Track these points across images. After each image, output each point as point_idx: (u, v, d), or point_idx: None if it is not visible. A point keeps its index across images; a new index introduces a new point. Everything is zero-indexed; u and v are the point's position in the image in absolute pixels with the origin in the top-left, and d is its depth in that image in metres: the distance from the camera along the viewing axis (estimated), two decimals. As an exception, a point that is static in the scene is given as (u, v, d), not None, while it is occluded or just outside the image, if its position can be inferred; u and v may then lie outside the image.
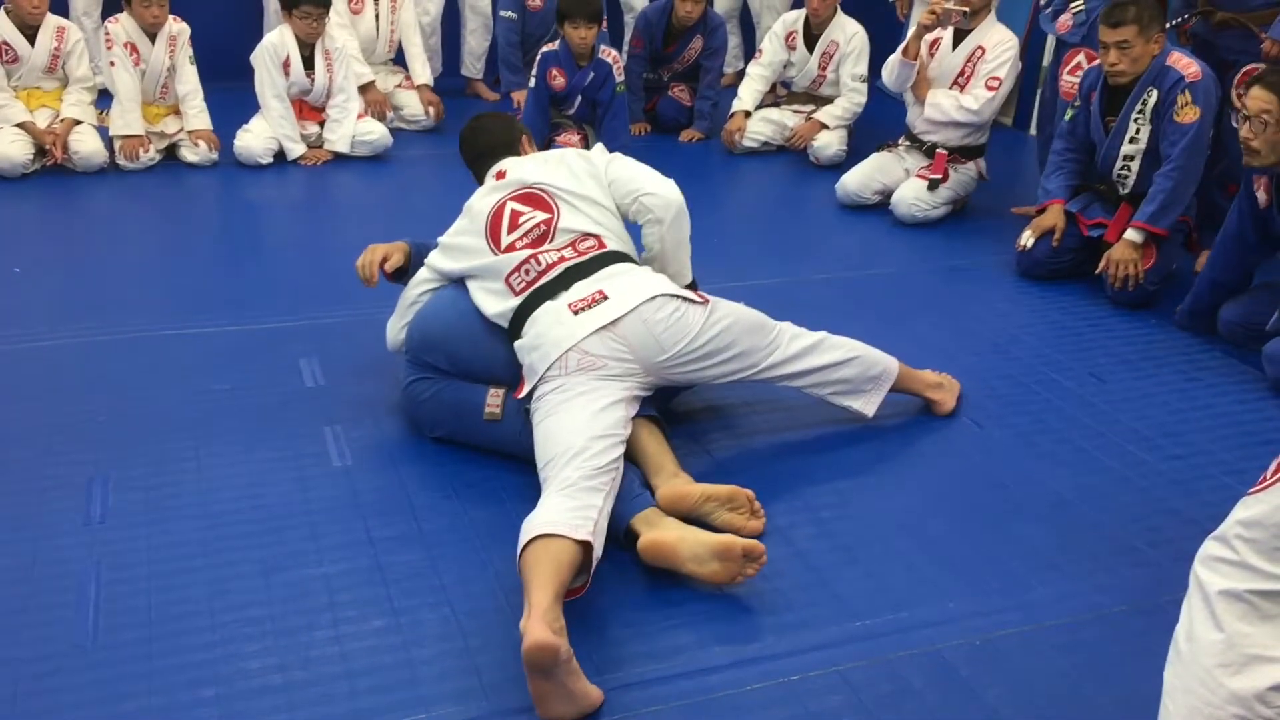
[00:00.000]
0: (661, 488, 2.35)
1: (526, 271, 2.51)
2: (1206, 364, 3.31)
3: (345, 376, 2.97)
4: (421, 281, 2.71)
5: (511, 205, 2.60)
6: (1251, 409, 3.04)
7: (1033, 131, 5.45)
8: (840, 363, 2.67)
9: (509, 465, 2.53)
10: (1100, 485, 2.62)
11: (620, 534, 2.23)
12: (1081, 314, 3.64)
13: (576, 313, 2.40)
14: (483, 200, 2.66)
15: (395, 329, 2.75)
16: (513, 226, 2.57)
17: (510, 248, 2.54)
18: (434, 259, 2.69)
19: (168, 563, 2.18)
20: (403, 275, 2.83)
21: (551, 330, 2.40)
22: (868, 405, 2.74)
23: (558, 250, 2.52)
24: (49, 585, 2.13)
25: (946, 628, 2.10)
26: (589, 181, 2.64)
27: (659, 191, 2.64)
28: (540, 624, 1.79)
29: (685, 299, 2.48)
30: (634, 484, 2.32)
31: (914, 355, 3.17)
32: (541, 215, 2.57)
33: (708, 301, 2.53)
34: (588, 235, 2.56)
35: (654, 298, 2.43)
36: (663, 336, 2.41)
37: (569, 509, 2.04)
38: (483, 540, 2.31)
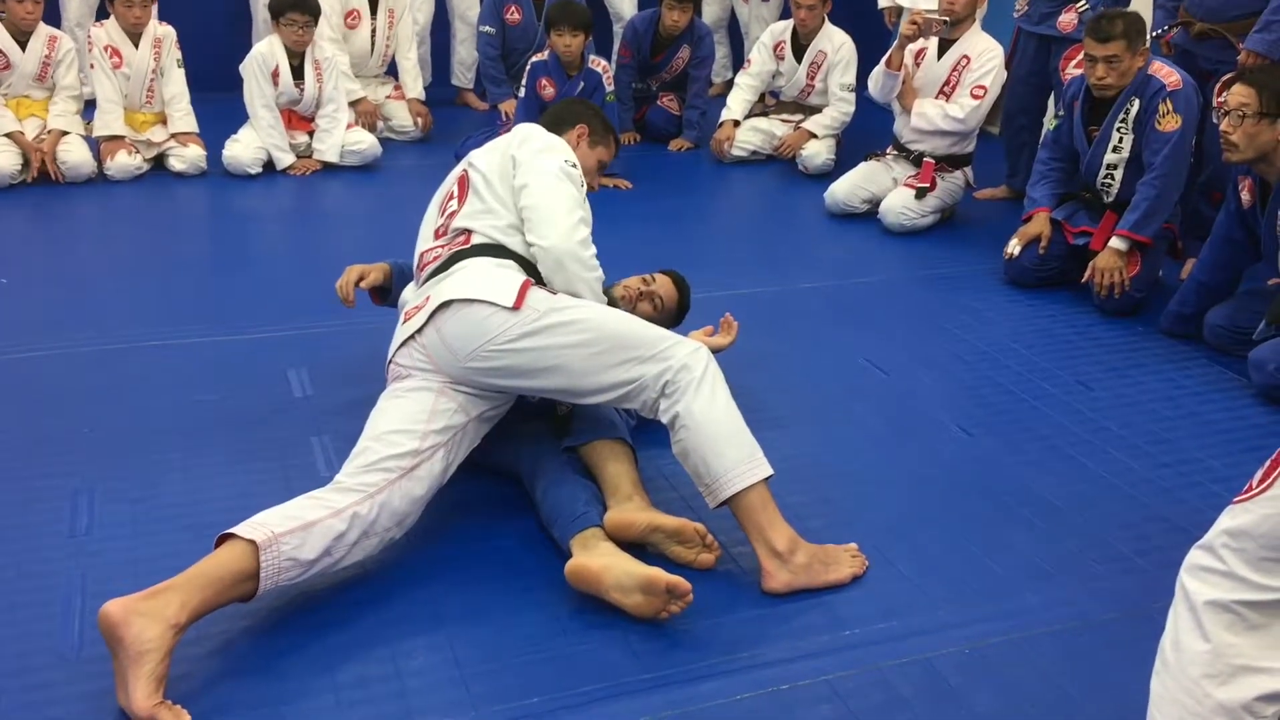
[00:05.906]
0: (609, 512, 2.27)
1: (421, 270, 2.47)
2: (1193, 371, 3.32)
3: (333, 386, 2.96)
4: None
5: (454, 189, 2.53)
6: (1238, 416, 3.06)
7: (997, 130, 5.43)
8: (686, 429, 2.20)
9: (492, 474, 2.53)
10: (1088, 493, 2.63)
11: (566, 556, 2.19)
12: (1068, 321, 3.66)
13: (406, 322, 2.36)
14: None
15: None
16: (443, 210, 2.52)
17: (438, 233, 2.49)
18: None
19: (153, 575, 2.15)
20: (383, 295, 2.83)
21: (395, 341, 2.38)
22: (708, 495, 2.24)
23: (441, 247, 2.45)
24: (33, 597, 2.11)
25: (936, 636, 2.11)
26: (498, 171, 2.46)
27: (541, 242, 2.35)
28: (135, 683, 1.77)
29: (495, 305, 2.23)
30: (577, 505, 2.25)
31: (902, 363, 3.19)
32: (454, 205, 2.49)
33: (540, 312, 2.24)
34: (465, 231, 2.42)
35: (450, 303, 2.26)
36: (453, 342, 2.25)
37: (278, 511, 2.04)
38: (466, 545, 2.31)
